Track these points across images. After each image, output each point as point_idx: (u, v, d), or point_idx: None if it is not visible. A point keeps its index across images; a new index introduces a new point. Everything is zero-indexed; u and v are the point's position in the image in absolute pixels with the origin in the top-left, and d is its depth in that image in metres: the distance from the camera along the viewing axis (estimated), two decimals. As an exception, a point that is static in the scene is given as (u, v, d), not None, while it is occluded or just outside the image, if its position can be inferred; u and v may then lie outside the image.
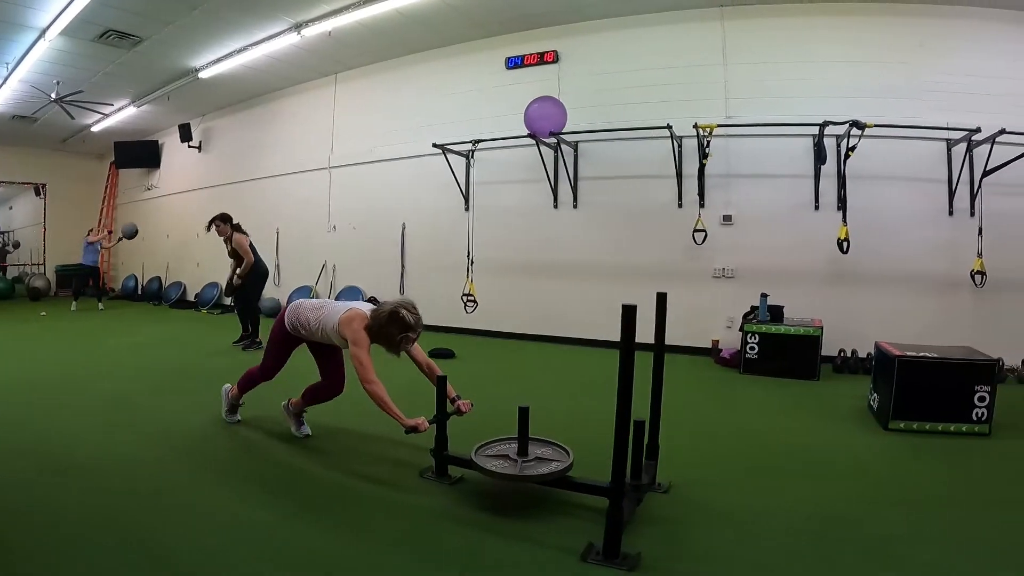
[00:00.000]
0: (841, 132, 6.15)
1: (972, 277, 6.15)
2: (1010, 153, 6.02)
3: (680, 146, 6.78)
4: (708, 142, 6.42)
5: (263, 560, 2.25)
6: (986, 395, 4.17)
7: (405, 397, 3.22)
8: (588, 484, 2.63)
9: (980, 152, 6.17)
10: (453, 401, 3.22)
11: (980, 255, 6.12)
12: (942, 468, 3.48)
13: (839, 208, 6.33)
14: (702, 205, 6.71)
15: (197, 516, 2.64)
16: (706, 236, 6.63)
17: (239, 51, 8.53)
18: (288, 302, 9.58)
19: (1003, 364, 6.23)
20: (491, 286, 7.52)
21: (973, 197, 6.27)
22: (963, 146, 6.27)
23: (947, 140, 6.37)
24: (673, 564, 2.28)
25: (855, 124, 5.85)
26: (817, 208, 6.57)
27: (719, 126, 6.37)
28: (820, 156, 6.35)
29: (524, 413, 2.91)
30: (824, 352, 6.17)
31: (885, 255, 6.48)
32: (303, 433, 3.74)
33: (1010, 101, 6.44)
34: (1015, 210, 6.36)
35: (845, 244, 6.10)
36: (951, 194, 6.37)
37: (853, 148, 6.01)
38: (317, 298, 3.56)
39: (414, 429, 2.97)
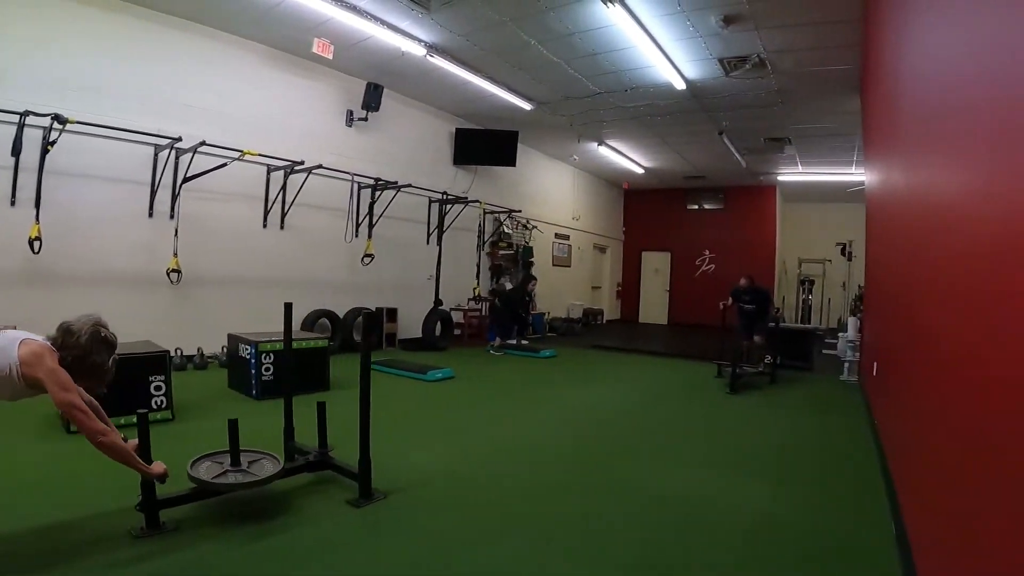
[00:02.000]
0: (46, 124, 6.75)
1: (169, 275, 7.88)
2: (209, 162, 7.88)
3: None
4: None
5: None
6: (162, 384, 5.37)
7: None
8: (342, 465, 3.99)
9: (184, 159, 7.85)
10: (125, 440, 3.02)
11: (176, 254, 7.88)
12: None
13: (37, 205, 6.96)
14: None
15: None
16: None
17: None
18: None
19: (203, 352, 8.01)
20: None
21: (174, 200, 7.95)
22: (168, 152, 7.87)
23: (155, 145, 7.91)
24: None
25: (57, 118, 6.67)
26: (13, 204, 6.97)
27: None
28: (16, 147, 6.88)
29: (234, 424, 3.57)
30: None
31: (88, 254, 7.45)
32: None
33: (213, 115, 8.50)
34: (209, 213, 8.47)
35: (37, 243, 6.77)
36: (153, 196, 7.91)
37: (53, 143, 6.81)
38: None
39: (164, 476, 3.07)
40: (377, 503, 3.74)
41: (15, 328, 2.89)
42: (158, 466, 3.08)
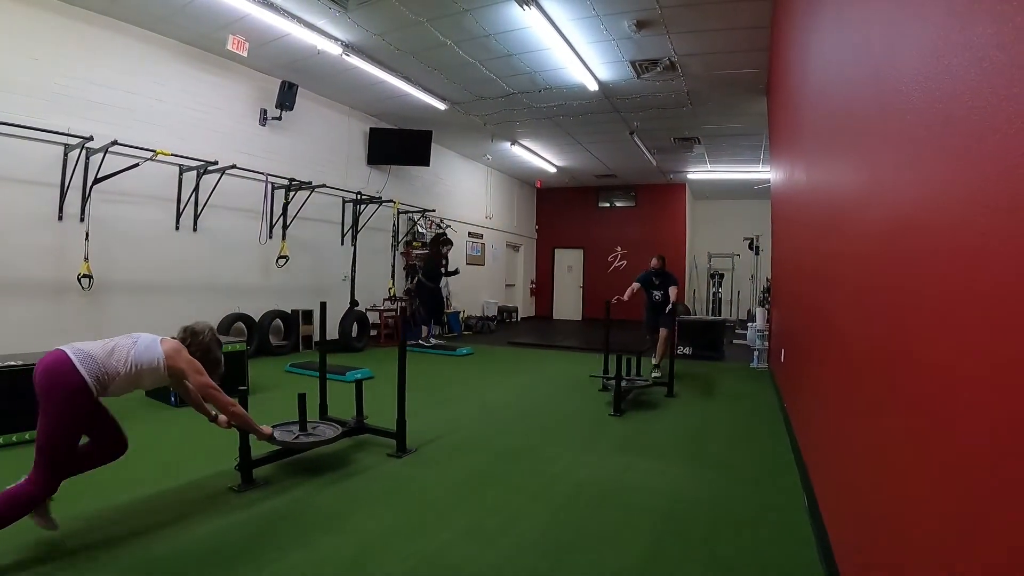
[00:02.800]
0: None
1: (79, 280, 7.88)
2: (121, 163, 7.91)
3: None
4: None
5: None
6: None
7: None
8: (380, 428, 5.25)
9: (94, 159, 7.87)
10: (215, 418, 3.84)
11: (87, 259, 7.89)
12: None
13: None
14: None
15: None
16: None
17: None
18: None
19: (116, 360, 7.96)
20: None
21: (84, 202, 7.94)
22: (78, 152, 7.87)
23: (65, 145, 7.86)
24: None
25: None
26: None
27: None
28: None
29: (302, 399, 4.80)
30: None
31: (-9, 261, 7.33)
32: (54, 525, 3.23)
33: (124, 114, 8.50)
34: (121, 216, 8.47)
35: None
36: (63, 198, 7.86)
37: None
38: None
39: (273, 437, 4.14)
40: (412, 455, 5.01)
41: None
42: (267, 428, 4.06)
